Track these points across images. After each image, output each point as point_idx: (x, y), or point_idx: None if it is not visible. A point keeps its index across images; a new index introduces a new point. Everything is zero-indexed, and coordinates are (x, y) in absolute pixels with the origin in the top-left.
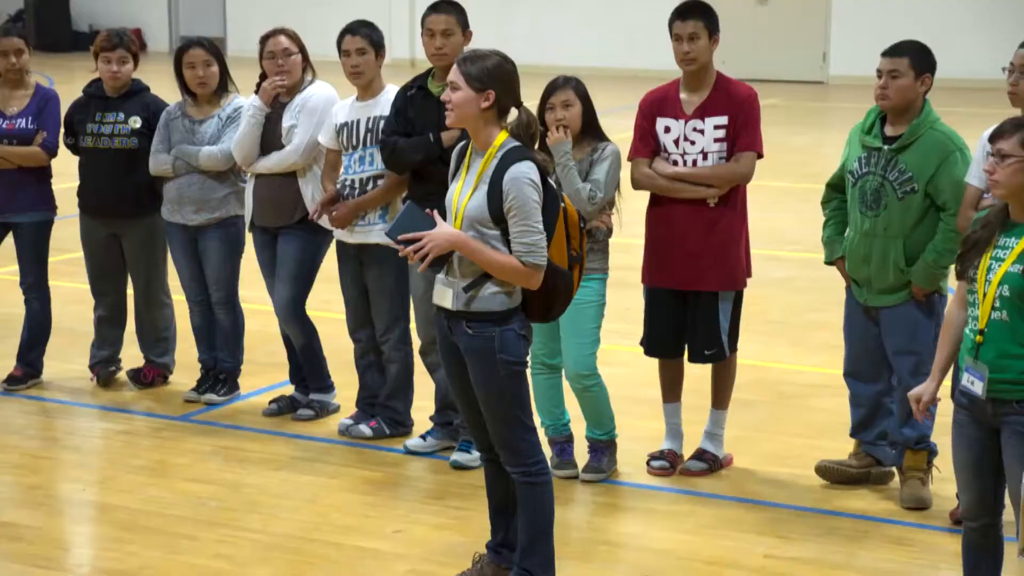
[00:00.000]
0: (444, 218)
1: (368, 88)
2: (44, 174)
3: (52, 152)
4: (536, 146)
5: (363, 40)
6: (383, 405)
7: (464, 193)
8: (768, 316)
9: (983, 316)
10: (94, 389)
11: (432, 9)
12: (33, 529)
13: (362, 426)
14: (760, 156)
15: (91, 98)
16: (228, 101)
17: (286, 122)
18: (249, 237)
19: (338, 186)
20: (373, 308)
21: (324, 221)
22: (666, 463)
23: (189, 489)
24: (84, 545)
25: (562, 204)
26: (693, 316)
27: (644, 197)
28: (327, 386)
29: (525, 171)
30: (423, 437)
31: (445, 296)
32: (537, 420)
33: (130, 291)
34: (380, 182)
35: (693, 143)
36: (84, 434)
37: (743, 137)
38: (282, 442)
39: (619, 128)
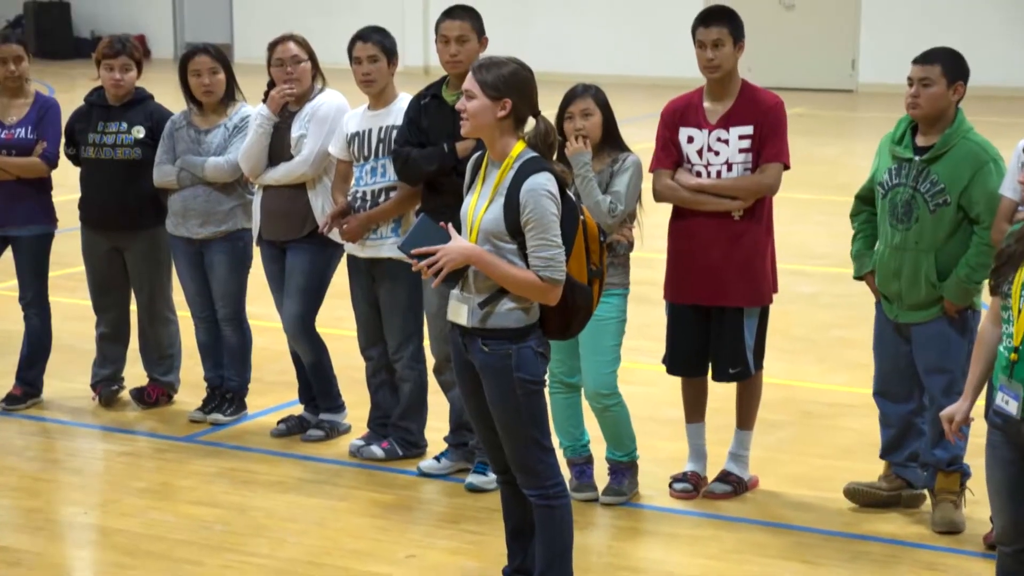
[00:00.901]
0: (459, 231)
1: (380, 97)
2: (44, 185)
3: (52, 163)
4: (554, 157)
5: (375, 47)
6: (396, 425)
7: (480, 205)
8: (794, 333)
9: (1018, 333)
10: (96, 409)
11: (446, 15)
12: (33, 554)
13: (374, 447)
14: (787, 167)
15: (93, 107)
16: (235, 110)
17: (295, 132)
18: (257, 251)
19: (349, 198)
20: (385, 325)
21: (334, 234)
22: (689, 485)
23: (194, 512)
24: (85, 570)
25: (581, 217)
26: (717, 333)
27: (666, 210)
28: (337, 406)
29: (543, 183)
30: (437, 459)
31: (460, 312)
32: (555, 441)
33: (133, 307)
34: (392, 194)
35: (717, 153)
36: (85, 455)
37: (769, 147)
38: (290, 464)
39: (640, 138)
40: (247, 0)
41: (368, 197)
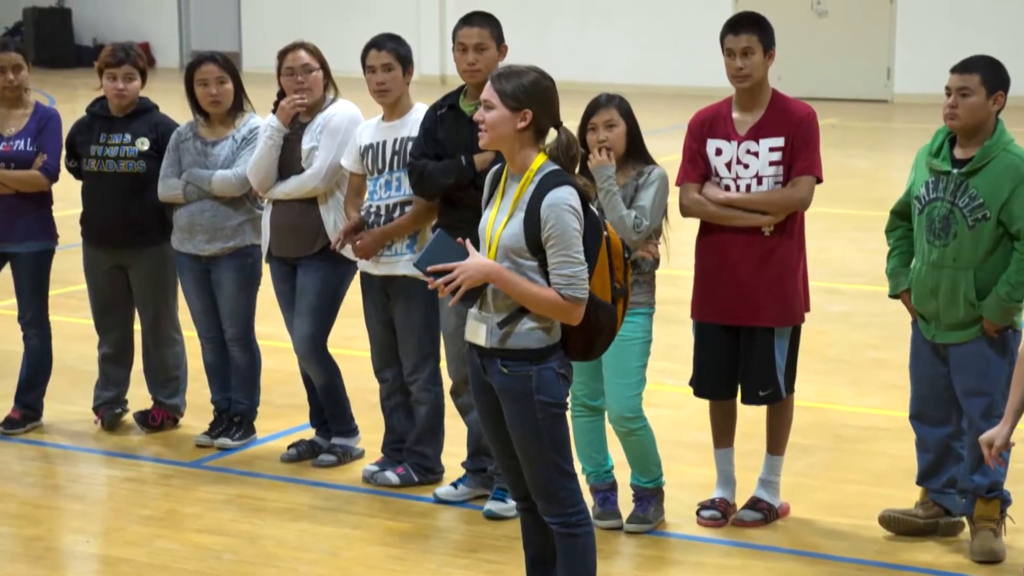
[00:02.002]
0: (477, 248)
1: (395, 107)
2: (44, 200)
3: (53, 176)
4: (577, 170)
5: (389, 55)
6: (411, 450)
7: (499, 221)
8: (827, 354)
9: None
10: (98, 433)
11: (464, 22)
12: None
13: (388, 473)
14: (819, 181)
15: (95, 118)
16: (243, 121)
17: (306, 144)
18: (266, 268)
19: (362, 213)
20: (400, 345)
21: (347, 251)
22: (717, 513)
23: (201, 541)
24: None
25: (605, 233)
26: (747, 354)
27: (693, 225)
28: (350, 430)
29: (565, 197)
30: (454, 485)
31: (478, 332)
32: (578, 466)
33: (137, 327)
34: (408, 209)
35: (747, 166)
36: (87, 482)
37: (800, 160)
38: (301, 490)
39: (666, 150)
40: (256, 6)
41: (382, 212)
